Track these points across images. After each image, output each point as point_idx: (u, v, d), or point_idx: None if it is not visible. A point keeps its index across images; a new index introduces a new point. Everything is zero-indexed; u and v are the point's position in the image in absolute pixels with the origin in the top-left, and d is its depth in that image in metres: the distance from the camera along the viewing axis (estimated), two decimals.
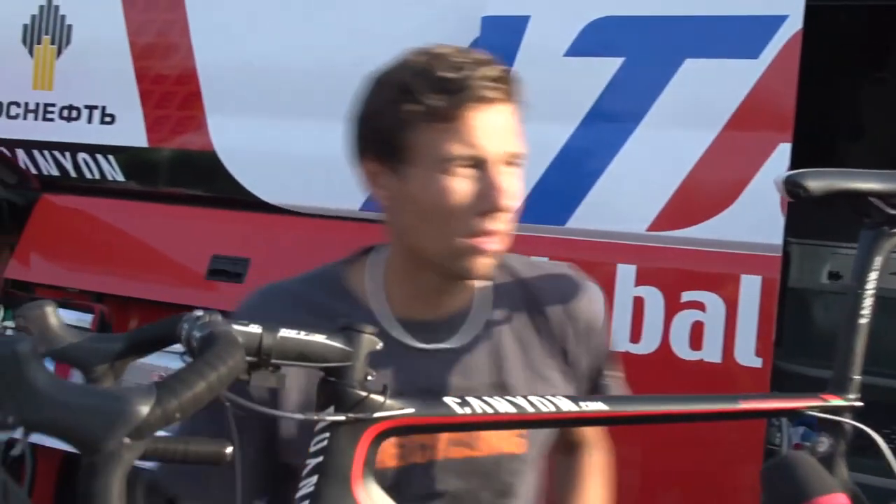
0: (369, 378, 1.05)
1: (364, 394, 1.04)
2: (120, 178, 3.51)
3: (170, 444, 1.02)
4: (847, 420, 1.46)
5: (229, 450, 0.97)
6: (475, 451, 1.37)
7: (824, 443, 1.44)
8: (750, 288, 2.47)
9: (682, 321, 2.52)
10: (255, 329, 0.96)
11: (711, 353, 2.47)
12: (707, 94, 2.55)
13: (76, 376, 1.04)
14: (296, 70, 3.14)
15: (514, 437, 1.39)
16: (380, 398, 1.06)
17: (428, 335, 1.38)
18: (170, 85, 3.36)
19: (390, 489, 1.31)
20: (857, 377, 1.55)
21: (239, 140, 3.23)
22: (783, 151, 2.46)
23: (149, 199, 3.46)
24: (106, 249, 3.45)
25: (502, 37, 2.73)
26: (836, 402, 1.42)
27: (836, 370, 1.50)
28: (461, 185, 1.27)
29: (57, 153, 3.62)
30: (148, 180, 3.48)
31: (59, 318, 1.02)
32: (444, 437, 1.35)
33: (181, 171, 3.41)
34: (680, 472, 2.58)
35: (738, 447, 2.43)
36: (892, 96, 4.47)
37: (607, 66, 2.62)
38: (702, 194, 2.55)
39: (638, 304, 2.55)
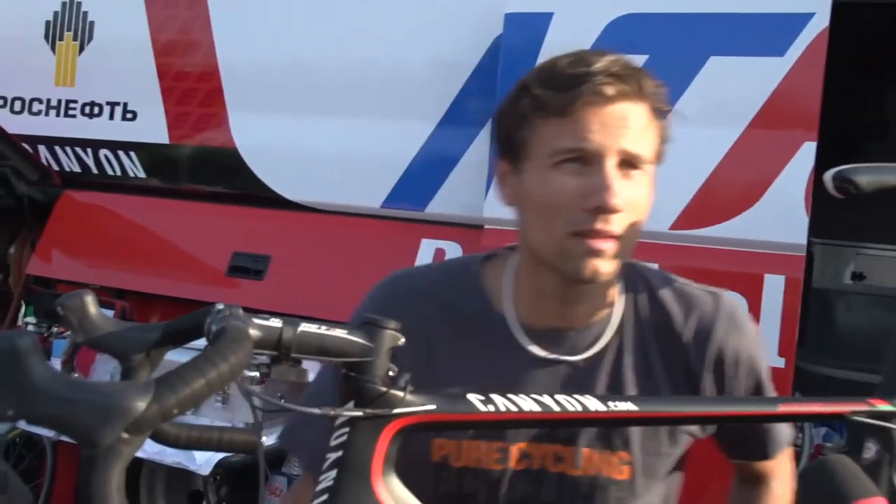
0: (391, 374, 1.03)
1: (384, 389, 1.03)
2: (141, 174, 3.52)
3: (204, 433, 1.05)
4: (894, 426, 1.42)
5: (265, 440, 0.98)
6: (573, 468, 1.33)
7: (871, 449, 1.38)
8: (773, 287, 2.45)
9: None
10: (275, 323, 0.96)
11: None
12: (732, 92, 2.52)
13: (113, 364, 1.05)
14: (317, 67, 3.14)
15: (617, 462, 1.34)
16: (400, 393, 1.04)
17: (552, 344, 1.34)
18: (192, 82, 3.37)
19: (490, 491, 1.33)
20: None
21: (260, 137, 3.24)
22: (808, 150, 2.43)
23: (170, 195, 3.47)
24: (127, 246, 3.46)
25: (525, 34, 2.72)
26: (885, 407, 1.36)
27: (885, 374, 1.44)
28: (568, 181, 1.23)
29: (79, 149, 3.64)
30: (169, 177, 3.49)
31: (97, 307, 1.02)
32: (544, 448, 1.32)
33: (202, 168, 3.42)
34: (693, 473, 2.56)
35: None
36: None
37: None
38: (725, 193, 2.53)
39: None
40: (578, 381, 1.32)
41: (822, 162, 2.42)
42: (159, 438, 1.03)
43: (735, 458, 1.50)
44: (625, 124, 1.23)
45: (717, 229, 2.52)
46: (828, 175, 1.50)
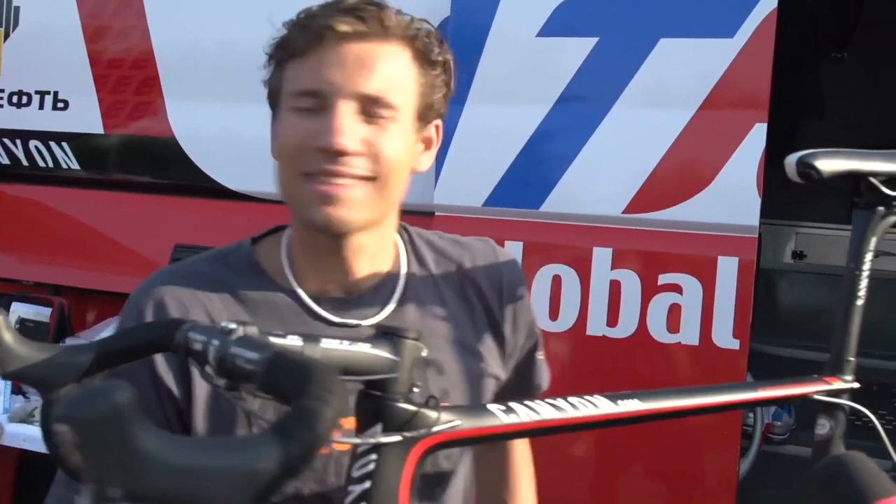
0: (414, 390, 0.95)
1: (415, 409, 0.94)
2: (75, 165, 3.39)
3: None
4: (847, 402, 1.45)
5: None
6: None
7: (824, 425, 1.43)
8: (727, 270, 2.46)
9: (660, 304, 2.50)
10: (294, 341, 0.86)
11: (689, 335, 2.46)
12: (682, 74, 2.52)
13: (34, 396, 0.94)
14: (259, 53, 3.05)
15: None
16: (432, 413, 0.95)
17: (346, 311, 1.28)
18: (126, 69, 3.25)
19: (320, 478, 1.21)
20: (853, 359, 1.54)
21: (201, 125, 3.14)
22: (759, 132, 2.44)
23: (106, 187, 3.34)
24: (63, 240, 3.34)
25: (473, 17, 2.68)
26: (838, 384, 1.41)
27: (834, 352, 1.49)
28: (301, 122, 1.19)
29: (7, 141, 3.49)
30: (105, 168, 3.36)
31: (12, 332, 0.89)
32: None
33: (140, 158, 3.30)
34: (658, 453, 2.57)
35: (717, 427, 2.43)
36: (851, 75, 4.52)
37: (581, 47, 2.58)
38: (678, 176, 2.53)
39: (615, 287, 2.53)
40: None
41: (766, 143, 2.44)
42: None
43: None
44: (364, 65, 1.18)
45: (670, 212, 2.51)
46: (790, 160, 1.52)
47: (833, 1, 4.14)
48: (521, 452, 1.57)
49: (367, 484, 0.93)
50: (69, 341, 3.05)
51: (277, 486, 0.66)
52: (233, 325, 0.83)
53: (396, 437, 0.92)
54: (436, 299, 1.34)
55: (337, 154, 1.16)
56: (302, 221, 1.23)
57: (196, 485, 0.63)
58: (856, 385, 1.47)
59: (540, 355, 1.47)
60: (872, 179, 1.49)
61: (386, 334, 0.94)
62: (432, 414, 0.95)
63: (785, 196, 3.71)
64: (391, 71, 1.20)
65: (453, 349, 1.32)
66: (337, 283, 1.28)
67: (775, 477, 3.04)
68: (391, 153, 1.20)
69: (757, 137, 2.44)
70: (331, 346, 0.88)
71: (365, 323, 1.26)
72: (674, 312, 2.48)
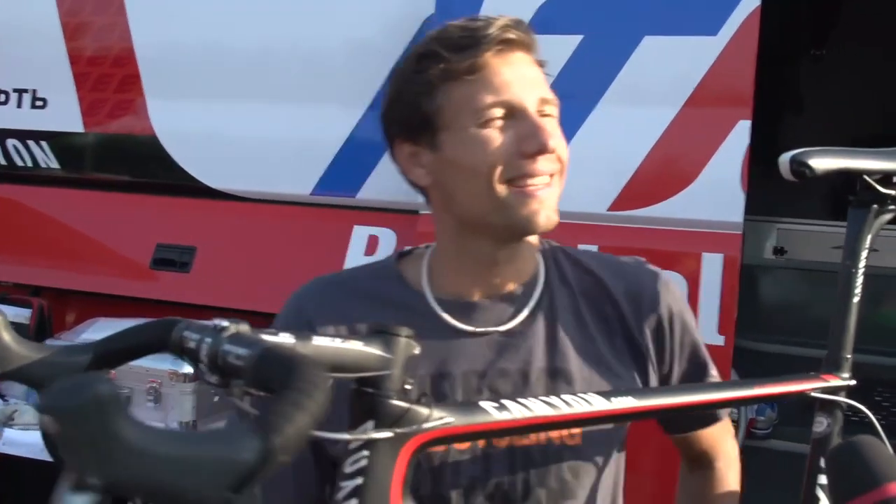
0: (407, 387, 0.96)
1: (406, 405, 0.95)
2: (55, 165, 3.36)
3: None
4: (845, 399, 1.45)
5: None
6: (521, 438, 1.27)
7: (822, 423, 1.43)
8: (712, 266, 2.47)
9: None
10: (286, 338, 0.87)
11: None
12: (667, 71, 2.53)
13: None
14: (240, 50, 3.04)
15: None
16: (424, 410, 0.96)
17: (478, 317, 1.31)
18: (106, 67, 3.22)
19: (434, 478, 1.25)
20: (849, 356, 1.54)
21: (182, 124, 3.12)
22: (743, 129, 2.45)
23: (87, 186, 3.32)
24: (42, 240, 3.31)
25: (457, 13, 2.65)
26: (836, 382, 1.41)
27: (831, 350, 1.48)
28: (499, 134, 1.23)
29: None
30: (85, 167, 3.34)
31: (10, 331, 0.89)
32: None
33: (120, 157, 3.28)
34: (641, 448, 2.57)
35: None
36: (829, 73, 4.55)
37: (566, 44, 2.58)
38: (662, 173, 2.54)
39: None
40: (514, 349, 1.30)
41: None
42: None
43: (674, 432, 1.49)
44: (532, 73, 1.26)
45: (656, 209, 2.52)
46: (784, 158, 1.52)
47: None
48: (726, 479, 1.53)
49: (359, 480, 0.95)
50: (49, 343, 3.03)
51: (256, 477, 0.66)
52: (225, 323, 0.83)
53: (388, 434, 0.93)
54: (571, 311, 1.35)
55: (549, 152, 1.22)
56: (500, 228, 1.26)
57: (174, 473, 0.64)
58: (853, 382, 1.46)
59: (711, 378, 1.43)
60: (867, 178, 1.49)
61: (379, 332, 0.94)
62: (423, 411, 0.97)
63: (765, 192, 3.73)
64: (541, 74, 1.28)
65: (584, 362, 1.33)
66: (479, 288, 1.32)
67: (758, 471, 3.06)
68: (566, 149, 1.28)
69: (740, 134, 2.45)
70: (322, 343, 0.89)
71: (492, 329, 1.31)
72: None
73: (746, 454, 3.13)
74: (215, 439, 0.66)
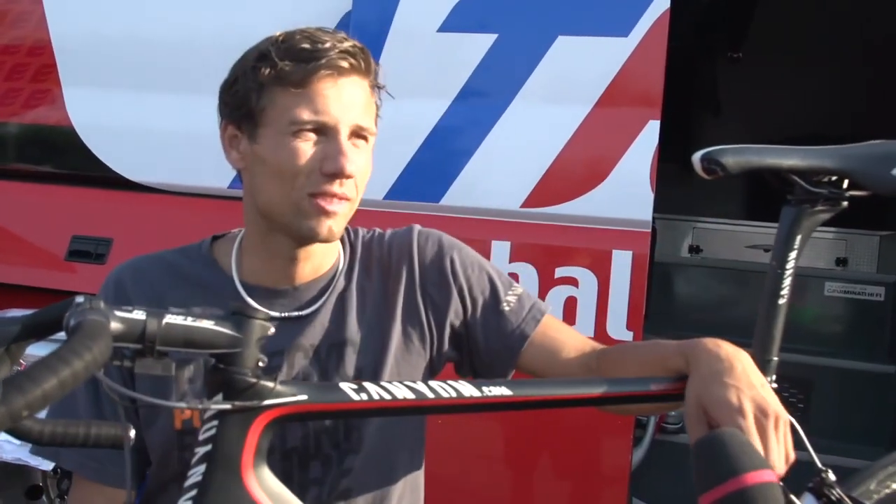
0: (261, 364, 1.03)
1: (253, 380, 1.02)
2: None
3: (70, 429, 1.01)
4: None
5: (132, 433, 0.98)
6: None
7: None
8: (621, 263, 2.52)
9: (556, 296, 2.55)
10: (138, 315, 0.93)
11: (584, 327, 2.51)
12: (579, 71, 2.57)
13: None
14: (158, 40, 3.02)
15: None
16: (270, 384, 1.03)
17: (279, 303, 1.45)
18: (21, 56, 3.17)
19: None
20: (776, 358, 1.57)
21: (99, 115, 3.08)
22: (652, 129, 2.51)
23: (1, 177, 3.26)
24: None
25: (374, 11, 2.70)
26: None
27: (756, 352, 1.50)
28: (307, 148, 1.34)
29: None
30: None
31: None
32: None
33: (36, 148, 3.23)
34: (553, 442, 2.62)
35: (610, 416, 2.49)
36: (747, 75, 4.65)
37: (481, 43, 2.61)
38: (574, 171, 2.58)
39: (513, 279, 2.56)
40: (309, 328, 1.45)
41: (662, 139, 2.51)
42: (20, 435, 0.99)
43: (513, 360, 1.51)
44: (355, 99, 1.36)
45: (566, 207, 2.57)
46: (696, 156, 1.55)
47: (728, 1, 4.26)
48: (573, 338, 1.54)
49: (209, 447, 1.03)
50: None
51: None
52: (81, 299, 0.91)
53: (228, 405, 1.01)
54: (364, 291, 1.50)
55: (345, 178, 1.34)
56: (294, 231, 1.38)
57: None
58: (775, 385, 1.48)
59: (507, 305, 1.52)
60: (793, 176, 1.51)
61: (234, 314, 1.01)
62: (269, 384, 1.03)
63: (683, 192, 3.82)
64: (367, 102, 1.39)
65: (374, 333, 1.47)
66: (281, 277, 1.46)
67: (668, 465, 3.13)
68: (367, 174, 1.41)
69: (650, 134, 2.51)
70: (175, 321, 0.95)
71: (290, 315, 1.45)
72: (570, 305, 2.54)
73: (657, 448, 3.21)
74: None
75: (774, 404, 1.14)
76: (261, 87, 1.34)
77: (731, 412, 1.12)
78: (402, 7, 2.67)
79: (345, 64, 1.34)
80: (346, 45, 1.35)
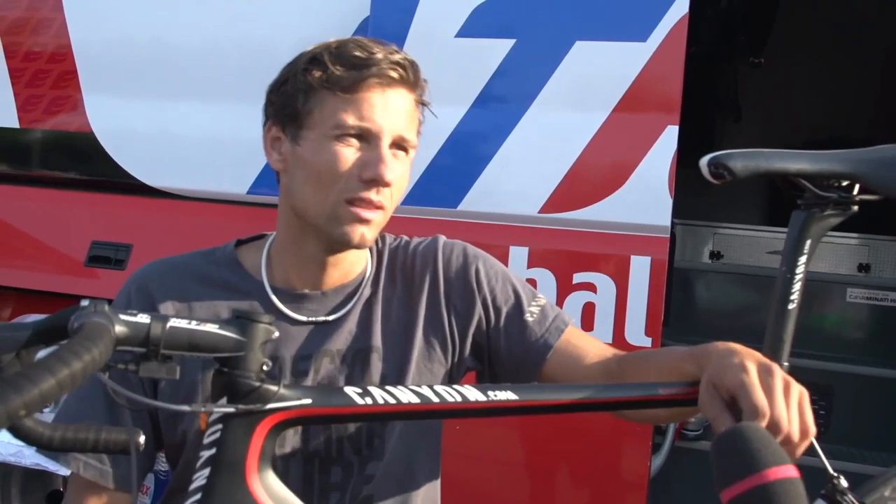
0: (265, 368, 1.03)
1: (257, 384, 1.02)
2: None
3: (79, 434, 1.01)
4: None
5: (142, 438, 0.97)
6: None
7: None
8: (640, 269, 2.51)
9: (574, 302, 2.54)
10: (143, 319, 0.93)
11: (602, 333, 2.50)
12: (597, 76, 2.56)
13: None
14: (179, 48, 3.04)
15: None
16: (274, 388, 1.03)
17: (307, 307, 1.46)
18: (43, 62, 3.20)
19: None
20: (786, 364, 1.56)
21: (119, 121, 3.11)
22: (671, 134, 2.49)
23: (22, 182, 3.29)
24: None
25: (392, 17, 2.70)
26: None
27: (766, 356, 1.50)
28: (348, 153, 1.35)
29: None
30: (21, 163, 3.31)
31: None
32: None
33: (57, 154, 3.25)
34: (572, 449, 2.61)
35: (630, 423, 2.47)
36: (768, 80, 4.63)
37: (499, 48, 2.61)
38: (592, 176, 2.57)
39: (531, 285, 2.56)
40: (336, 333, 1.45)
41: (683, 145, 2.50)
42: (29, 440, 0.98)
43: (537, 369, 1.50)
44: (400, 109, 1.37)
45: (585, 212, 2.56)
46: (704, 161, 1.53)
47: (748, 7, 4.24)
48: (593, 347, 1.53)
49: (214, 450, 1.03)
50: None
51: None
52: (86, 302, 0.92)
53: (231, 409, 1.01)
54: (388, 299, 1.51)
55: (383, 185, 1.35)
56: (327, 236, 1.38)
57: None
58: None
59: (530, 316, 1.51)
60: (802, 181, 1.50)
61: (238, 317, 1.01)
62: (273, 388, 1.03)
63: (704, 198, 3.80)
64: (412, 114, 1.40)
65: (398, 340, 1.48)
66: (310, 282, 1.46)
67: (687, 472, 3.11)
68: (405, 186, 1.42)
69: (669, 139, 2.49)
70: (179, 324, 0.96)
71: (318, 319, 1.45)
72: (588, 310, 2.53)
73: (677, 455, 3.19)
74: None
75: (782, 371, 1.12)
76: (309, 89, 1.36)
77: (734, 371, 1.11)
78: (419, 12, 2.67)
79: (394, 75, 1.35)
80: (398, 56, 1.36)
